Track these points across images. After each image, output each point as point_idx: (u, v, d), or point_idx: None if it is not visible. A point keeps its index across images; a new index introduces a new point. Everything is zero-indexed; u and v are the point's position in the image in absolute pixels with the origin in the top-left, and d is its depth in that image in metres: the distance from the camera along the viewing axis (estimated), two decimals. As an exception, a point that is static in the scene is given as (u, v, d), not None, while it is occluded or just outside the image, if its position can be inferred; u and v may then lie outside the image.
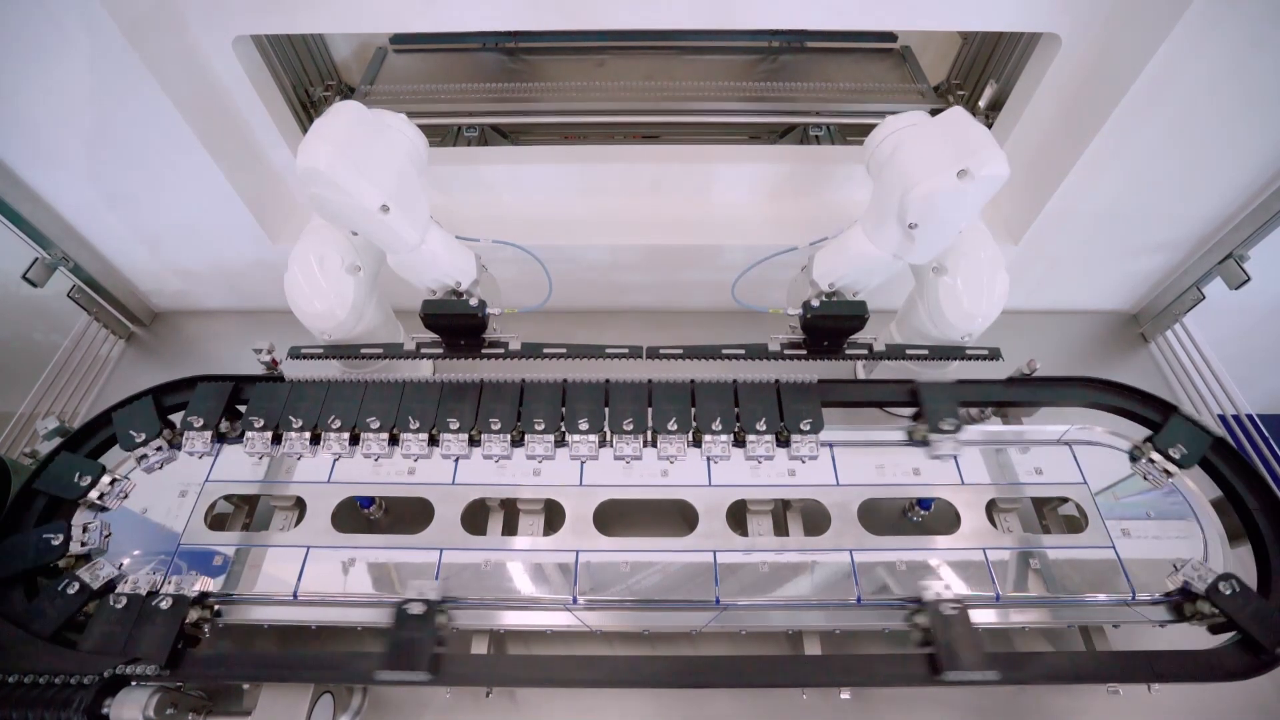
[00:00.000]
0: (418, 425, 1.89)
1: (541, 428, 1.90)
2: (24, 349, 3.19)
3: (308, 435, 1.90)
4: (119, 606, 1.64)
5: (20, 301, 2.96)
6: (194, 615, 1.67)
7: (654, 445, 1.89)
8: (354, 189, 1.66)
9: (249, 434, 1.90)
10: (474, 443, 1.93)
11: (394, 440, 1.93)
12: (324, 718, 1.74)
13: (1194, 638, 1.70)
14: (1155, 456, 1.91)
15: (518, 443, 1.93)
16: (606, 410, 1.93)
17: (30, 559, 1.72)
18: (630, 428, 1.89)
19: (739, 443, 1.91)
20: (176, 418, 2.01)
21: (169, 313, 3.00)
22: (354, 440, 1.91)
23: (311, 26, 2.07)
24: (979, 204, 1.75)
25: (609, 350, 1.98)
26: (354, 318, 2.08)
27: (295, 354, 1.98)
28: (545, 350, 1.98)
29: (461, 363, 2.71)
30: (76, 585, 1.67)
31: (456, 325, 1.96)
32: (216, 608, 1.74)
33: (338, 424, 1.89)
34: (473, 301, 1.94)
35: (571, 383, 1.98)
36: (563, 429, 1.93)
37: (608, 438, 1.92)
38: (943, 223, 1.78)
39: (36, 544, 1.73)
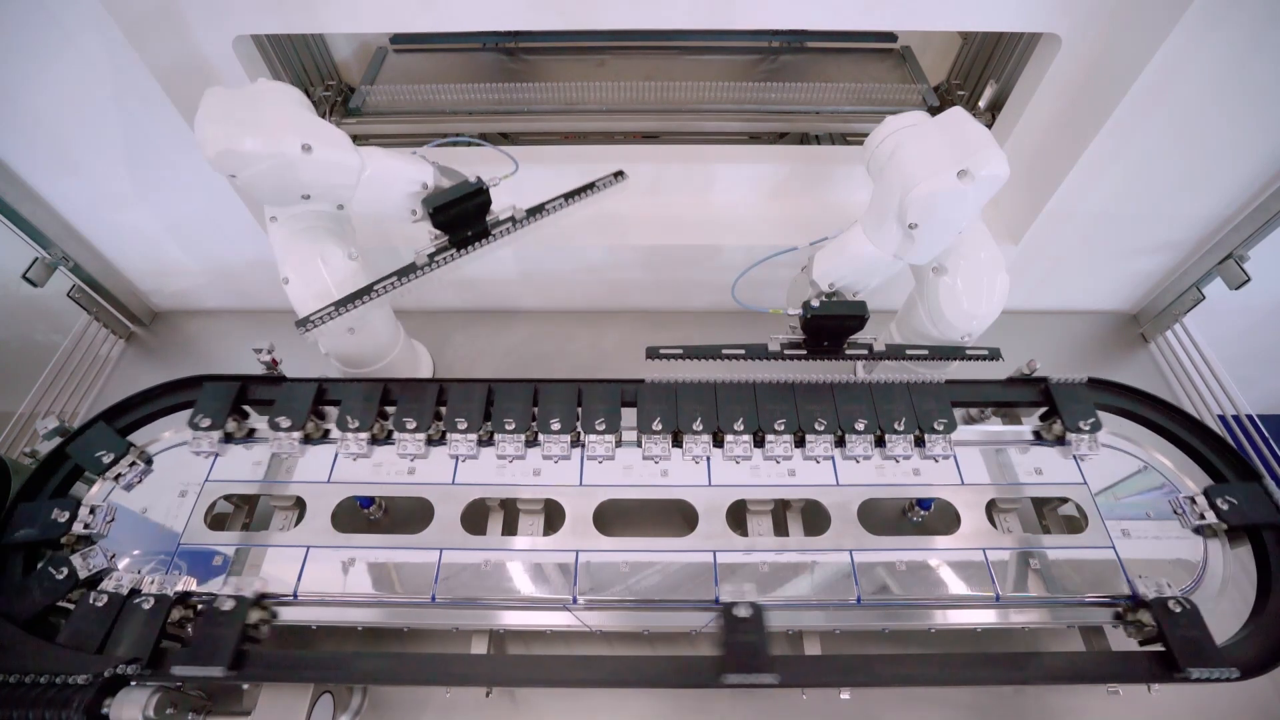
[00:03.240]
0: (415, 425, 1.89)
1: (558, 428, 1.92)
2: (24, 349, 3.19)
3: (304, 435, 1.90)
4: (99, 605, 1.63)
5: (20, 301, 2.95)
6: (254, 616, 1.67)
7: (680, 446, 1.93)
8: (267, 145, 1.65)
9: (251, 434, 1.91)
10: (484, 443, 1.94)
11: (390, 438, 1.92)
12: (324, 718, 1.74)
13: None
14: (1073, 437, 1.93)
15: (532, 442, 1.94)
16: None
17: (35, 531, 1.75)
18: (660, 428, 1.92)
19: (759, 443, 1.93)
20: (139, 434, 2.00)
21: (169, 313, 3.00)
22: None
23: (311, 26, 2.07)
24: (979, 204, 1.75)
25: (597, 183, 2.05)
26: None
27: (303, 324, 1.94)
28: (546, 207, 2.07)
29: (462, 350, 2.73)
30: (65, 571, 1.69)
31: (465, 208, 1.94)
32: (274, 609, 1.73)
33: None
34: (471, 179, 1.94)
35: (582, 383, 2.00)
36: (532, 427, 1.93)
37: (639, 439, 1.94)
38: (943, 223, 1.78)
39: (44, 518, 1.77)
